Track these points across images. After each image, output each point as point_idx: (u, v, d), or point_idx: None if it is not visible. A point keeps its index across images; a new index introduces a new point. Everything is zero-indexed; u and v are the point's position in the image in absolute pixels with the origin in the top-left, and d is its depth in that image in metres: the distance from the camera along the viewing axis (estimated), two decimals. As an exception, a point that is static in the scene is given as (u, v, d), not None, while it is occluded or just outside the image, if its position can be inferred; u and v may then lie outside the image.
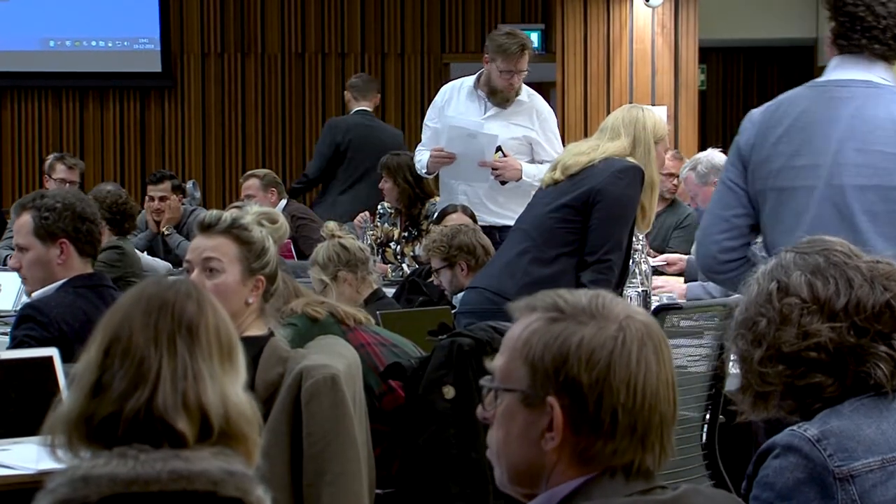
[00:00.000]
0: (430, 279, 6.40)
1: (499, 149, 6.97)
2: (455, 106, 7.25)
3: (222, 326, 2.22)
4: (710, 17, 12.33)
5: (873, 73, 3.66)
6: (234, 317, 3.69)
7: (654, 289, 6.33)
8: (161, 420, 2.10)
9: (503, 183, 6.95)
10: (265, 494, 2.08)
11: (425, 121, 7.48)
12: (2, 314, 6.57)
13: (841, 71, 3.68)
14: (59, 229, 4.48)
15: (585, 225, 5.24)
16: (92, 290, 4.49)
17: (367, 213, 8.55)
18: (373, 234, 8.11)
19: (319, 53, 12.71)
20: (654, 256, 8.03)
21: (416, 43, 12.71)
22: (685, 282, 6.60)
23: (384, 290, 6.16)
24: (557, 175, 5.35)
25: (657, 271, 7.40)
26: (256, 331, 3.77)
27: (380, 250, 8.04)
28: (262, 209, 3.99)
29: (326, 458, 3.63)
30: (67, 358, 3.86)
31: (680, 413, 4.55)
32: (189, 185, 9.66)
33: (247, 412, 2.18)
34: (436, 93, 12.53)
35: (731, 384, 4.83)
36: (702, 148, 12.45)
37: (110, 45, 12.47)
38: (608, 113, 6.42)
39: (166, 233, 8.83)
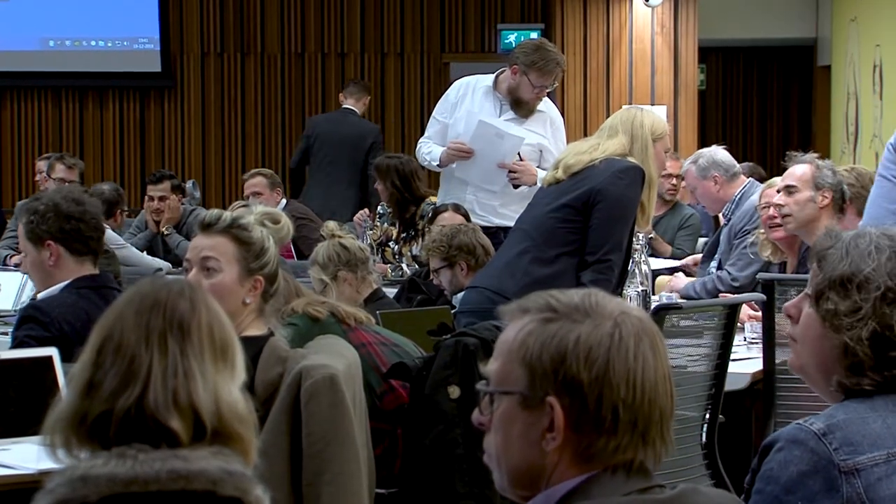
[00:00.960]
0: (430, 279, 6.40)
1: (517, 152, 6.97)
2: (469, 104, 7.22)
3: (216, 325, 2.21)
4: (709, 17, 12.33)
5: None
6: (232, 317, 3.68)
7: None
8: (153, 418, 2.11)
9: (516, 187, 6.92)
10: (264, 494, 2.08)
11: (434, 114, 7.44)
12: (2, 314, 6.58)
13: None
14: (43, 232, 4.47)
15: (586, 225, 5.24)
16: (94, 291, 4.47)
17: (367, 211, 8.56)
18: (372, 234, 8.11)
19: (319, 53, 12.71)
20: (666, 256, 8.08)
21: (415, 43, 12.71)
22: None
23: (384, 289, 6.16)
24: (559, 174, 5.35)
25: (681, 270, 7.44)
26: (255, 331, 3.77)
27: (379, 250, 8.04)
28: (265, 209, 3.99)
29: (326, 458, 3.63)
30: (68, 358, 3.85)
31: (680, 413, 4.58)
32: (189, 184, 9.67)
33: (240, 412, 2.17)
34: (436, 92, 12.58)
35: (731, 384, 4.84)
36: (701, 148, 12.47)
37: (110, 44, 12.48)
38: (608, 113, 6.44)
39: (166, 233, 8.83)
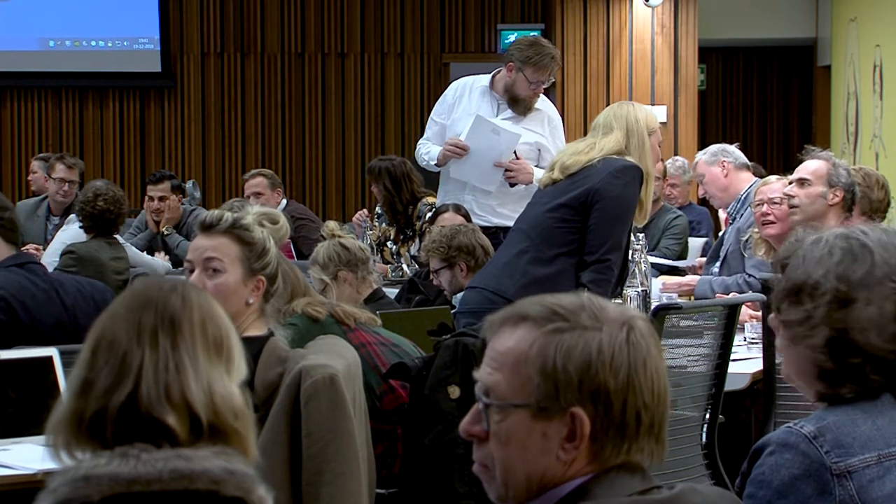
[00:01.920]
0: (430, 279, 6.40)
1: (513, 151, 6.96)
2: (467, 104, 7.22)
3: (209, 321, 2.21)
4: (709, 17, 12.33)
5: None
6: (235, 317, 3.69)
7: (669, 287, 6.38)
8: (147, 414, 2.11)
9: (512, 185, 6.92)
10: (267, 494, 2.08)
11: (432, 115, 7.43)
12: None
13: None
14: None
15: (584, 225, 5.24)
16: (20, 266, 4.80)
17: (365, 211, 8.56)
18: (372, 234, 8.12)
19: (319, 53, 12.71)
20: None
21: (415, 43, 12.71)
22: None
23: (385, 290, 6.16)
24: (556, 175, 5.35)
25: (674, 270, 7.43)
26: (256, 331, 3.77)
27: (378, 250, 8.04)
28: (262, 209, 3.99)
29: (325, 458, 3.63)
30: (12, 324, 4.56)
31: (680, 413, 4.58)
32: (189, 184, 9.67)
33: (236, 406, 2.17)
34: (436, 92, 12.57)
35: (731, 384, 4.84)
36: (701, 148, 12.46)
37: (110, 45, 12.48)
38: (608, 114, 6.41)
39: (166, 233, 8.83)
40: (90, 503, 1.96)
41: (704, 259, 7.45)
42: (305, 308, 4.53)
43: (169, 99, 12.65)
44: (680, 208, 8.97)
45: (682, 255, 8.30)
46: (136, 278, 6.30)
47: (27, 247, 8.53)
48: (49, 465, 3.46)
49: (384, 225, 8.14)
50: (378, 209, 8.25)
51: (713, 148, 7.25)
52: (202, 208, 9.21)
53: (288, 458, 3.63)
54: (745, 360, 5.19)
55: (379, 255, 7.99)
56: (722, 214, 8.76)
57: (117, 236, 7.39)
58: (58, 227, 8.69)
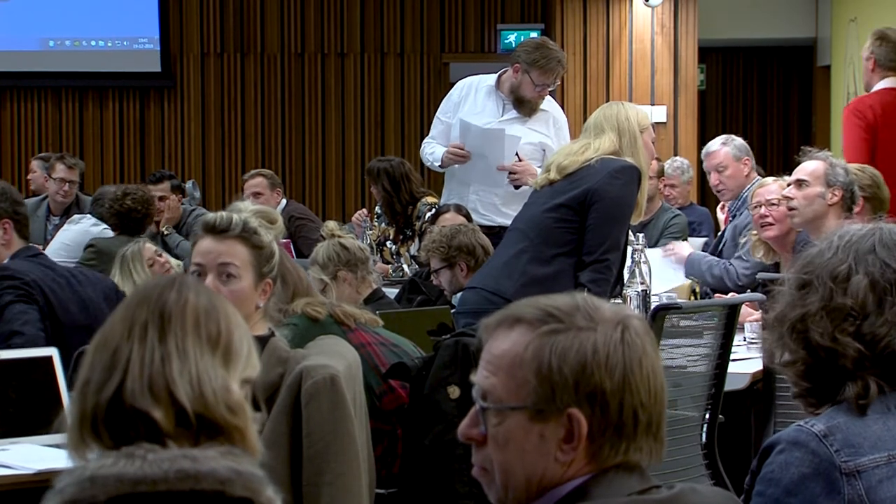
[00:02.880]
0: (431, 279, 6.40)
1: (516, 153, 6.96)
2: (472, 104, 7.23)
3: (206, 315, 2.19)
4: (709, 17, 12.33)
5: None
6: (245, 320, 3.69)
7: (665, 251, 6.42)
8: (132, 407, 2.11)
9: (517, 187, 6.92)
10: (276, 495, 2.07)
11: (437, 113, 7.45)
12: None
13: None
14: (2, 210, 5.01)
15: (583, 225, 5.25)
16: (33, 258, 5.06)
17: (365, 211, 8.57)
18: (372, 234, 8.12)
19: (319, 53, 12.71)
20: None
21: (415, 43, 12.71)
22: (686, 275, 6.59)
23: (385, 290, 6.16)
24: (553, 175, 5.36)
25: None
26: (258, 332, 3.77)
27: (378, 250, 8.05)
28: (257, 208, 3.98)
29: (326, 459, 3.63)
30: (49, 308, 4.79)
31: (680, 413, 4.58)
32: (189, 184, 9.67)
33: (231, 401, 2.15)
34: (435, 92, 12.58)
35: (731, 384, 4.84)
36: (701, 148, 12.46)
37: (110, 44, 12.47)
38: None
39: (166, 232, 8.84)
40: (96, 503, 1.96)
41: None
42: (305, 308, 4.53)
43: (169, 99, 12.65)
44: (680, 209, 8.95)
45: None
46: None
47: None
48: (49, 465, 3.47)
49: (383, 225, 8.14)
50: (378, 209, 8.26)
51: (738, 143, 7.22)
52: (202, 208, 9.22)
53: (288, 459, 3.63)
54: (745, 360, 5.19)
55: (378, 255, 7.99)
56: (721, 214, 8.77)
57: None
58: (58, 227, 8.70)
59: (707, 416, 4.73)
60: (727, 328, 4.72)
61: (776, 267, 5.94)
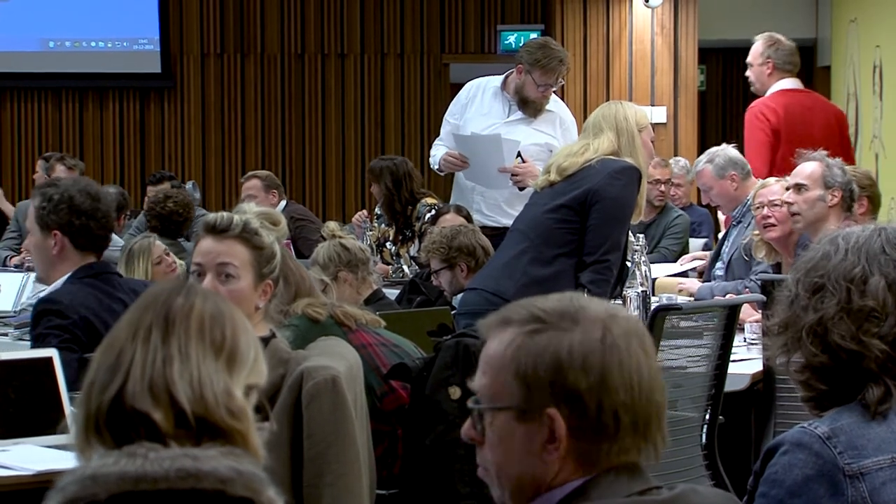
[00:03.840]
0: (430, 280, 6.40)
1: (518, 154, 6.96)
2: (479, 105, 7.24)
3: (211, 319, 2.19)
4: (709, 18, 12.33)
5: None
6: None
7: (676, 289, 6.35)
8: (132, 408, 2.11)
9: (522, 189, 6.92)
10: (277, 496, 2.07)
11: (446, 115, 7.47)
12: (2, 315, 6.58)
13: None
14: (52, 221, 4.49)
15: (583, 225, 5.25)
16: (95, 278, 4.49)
17: (365, 212, 8.56)
18: (372, 235, 8.12)
19: (319, 54, 12.71)
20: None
21: (415, 43, 12.71)
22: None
23: (385, 290, 6.16)
24: (553, 177, 5.36)
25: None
26: (259, 333, 3.76)
27: (378, 251, 8.05)
28: (260, 209, 3.98)
29: (327, 460, 3.63)
30: (95, 342, 3.83)
31: (680, 413, 4.58)
32: (188, 185, 9.68)
33: (232, 405, 2.15)
34: (435, 93, 12.58)
35: (731, 385, 4.84)
36: (701, 149, 12.46)
37: (110, 45, 12.48)
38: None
39: (166, 233, 8.83)
40: (97, 501, 1.96)
41: (700, 253, 7.40)
42: (306, 309, 4.53)
43: (169, 99, 12.65)
44: (682, 208, 8.96)
45: (683, 256, 8.29)
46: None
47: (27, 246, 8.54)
48: (48, 466, 3.47)
49: (383, 226, 8.14)
50: (378, 209, 8.26)
51: (720, 160, 6.97)
52: (202, 209, 9.22)
53: (289, 460, 3.63)
54: (745, 361, 5.19)
55: (378, 256, 7.99)
56: (721, 216, 8.77)
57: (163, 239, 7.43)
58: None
59: (707, 416, 4.73)
60: (727, 329, 4.72)
61: (777, 268, 5.93)
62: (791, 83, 7.59)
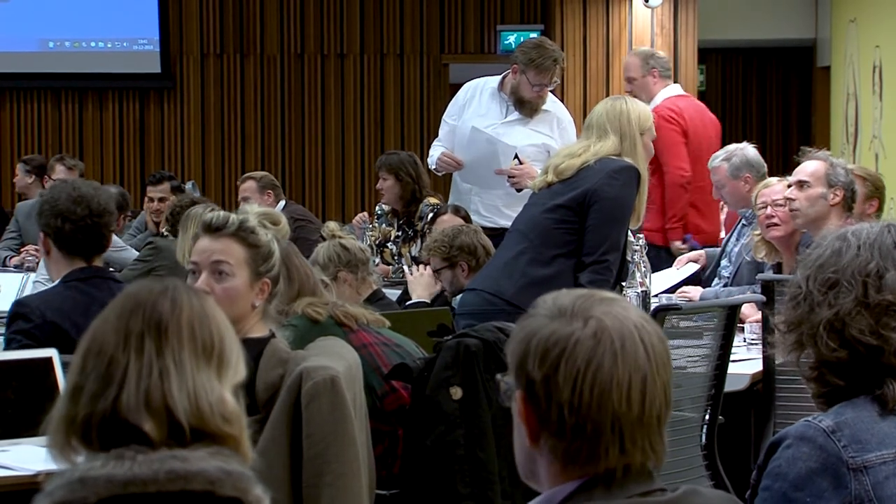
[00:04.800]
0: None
1: (515, 156, 6.95)
2: (476, 106, 7.24)
3: (199, 324, 2.18)
4: (709, 18, 12.33)
5: None
6: (240, 320, 3.69)
7: (679, 294, 6.32)
8: (125, 420, 2.09)
9: (519, 190, 6.92)
10: (264, 494, 2.07)
11: (444, 116, 7.47)
12: (1, 315, 6.58)
13: None
14: (41, 225, 4.48)
15: (582, 226, 5.25)
16: (82, 282, 4.43)
17: (365, 213, 8.55)
18: (372, 235, 8.11)
19: (318, 54, 12.71)
20: None
21: (415, 44, 12.71)
22: None
23: (386, 290, 6.15)
24: (550, 178, 5.35)
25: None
26: (258, 333, 3.76)
27: (378, 251, 8.04)
28: (262, 209, 3.98)
29: (326, 460, 3.63)
30: (66, 347, 3.83)
31: (680, 414, 4.57)
32: (188, 185, 9.67)
33: (225, 411, 2.14)
34: (435, 93, 12.57)
35: (731, 385, 4.84)
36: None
37: (109, 45, 12.47)
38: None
39: (165, 233, 8.84)
40: None
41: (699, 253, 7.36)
42: (306, 309, 4.52)
43: (168, 100, 12.65)
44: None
45: (678, 258, 8.26)
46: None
47: (27, 247, 8.56)
48: (48, 466, 3.47)
49: (384, 226, 8.13)
50: (378, 209, 8.25)
51: (736, 160, 6.89)
52: (213, 205, 9.20)
53: (288, 460, 3.63)
54: (745, 361, 5.19)
55: (378, 257, 7.98)
56: (720, 216, 8.75)
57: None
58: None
59: (707, 416, 4.73)
60: (727, 329, 4.72)
61: (778, 267, 5.93)
62: (677, 89, 7.96)
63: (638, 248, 5.44)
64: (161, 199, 8.88)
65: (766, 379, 4.93)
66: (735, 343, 4.84)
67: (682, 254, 7.08)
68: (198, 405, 2.11)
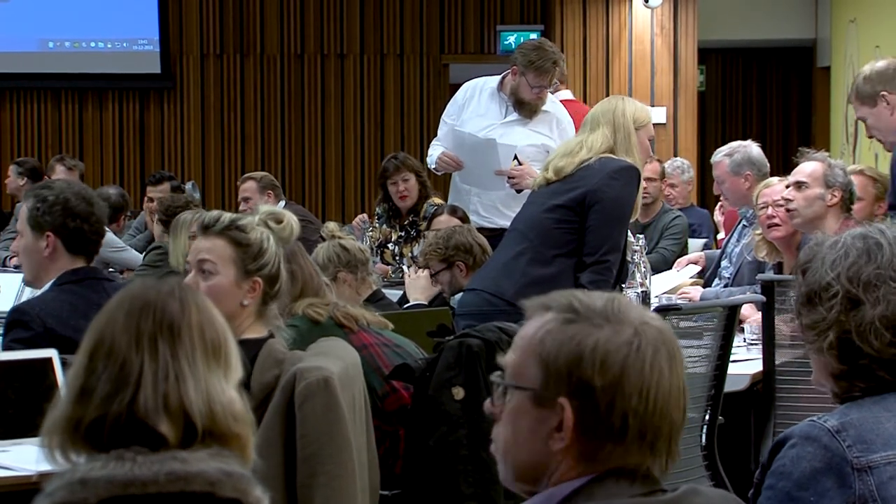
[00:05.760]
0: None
1: (515, 157, 6.95)
2: (476, 106, 7.24)
3: (207, 325, 2.19)
4: (709, 18, 12.33)
5: None
6: (230, 319, 3.65)
7: (679, 294, 6.30)
8: (143, 423, 2.09)
9: (519, 191, 6.91)
10: (263, 495, 2.07)
11: (443, 116, 7.47)
12: (1, 315, 6.57)
13: None
14: (46, 222, 4.41)
15: (582, 226, 5.24)
16: (77, 284, 4.40)
17: (365, 215, 8.55)
18: (371, 236, 8.10)
19: (318, 54, 12.71)
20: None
21: (415, 44, 12.71)
22: None
23: (385, 291, 6.15)
24: (550, 176, 5.35)
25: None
26: (254, 333, 3.76)
27: (378, 251, 8.03)
28: (270, 209, 3.97)
29: (319, 460, 3.62)
30: (63, 350, 3.86)
31: (679, 414, 4.57)
32: (188, 186, 9.67)
33: (235, 410, 2.15)
34: (435, 94, 12.57)
35: (731, 386, 4.84)
36: (700, 149, 12.45)
37: (109, 46, 12.48)
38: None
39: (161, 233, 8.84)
40: None
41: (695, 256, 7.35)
42: (306, 310, 4.51)
43: (168, 100, 12.65)
44: (681, 210, 8.94)
45: (682, 256, 8.28)
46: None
47: None
48: (47, 466, 3.47)
49: (384, 227, 8.13)
50: (378, 210, 8.25)
51: (738, 157, 6.86)
52: (202, 209, 9.21)
53: (283, 460, 3.62)
54: (745, 361, 5.19)
55: (379, 257, 7.98)
56: (718, 216, 8.75)
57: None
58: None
59: (707, 417, 4.73)
60: (727, 329, 4.71)
61: (778, 267, 5.93)
62: (569, 94, 8.54)
63: (638, 248, 5.44)
64: (187, 204, 8.88)
65: (766, 379, 4.93)
66: (735, 343, 4.84)
67: None
68: (211, 408, 2.12)
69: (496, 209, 7.16)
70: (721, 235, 8.44)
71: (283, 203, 9.12)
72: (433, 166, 7.34)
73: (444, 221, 6.90)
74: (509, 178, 6.92)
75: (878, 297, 2.37)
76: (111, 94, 12.60)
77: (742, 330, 5.40)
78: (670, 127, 12.01)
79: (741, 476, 4.70)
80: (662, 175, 8.72)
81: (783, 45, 13.38)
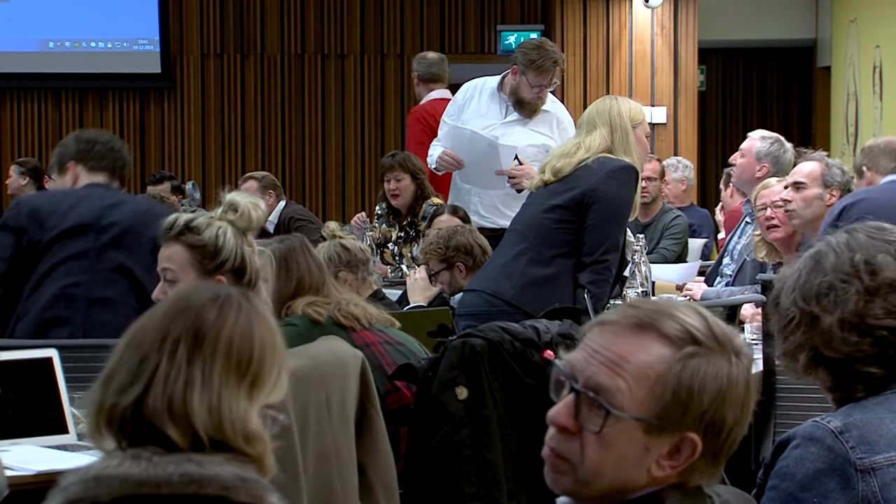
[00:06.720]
0: (430, 282, 6.39)
1: (515, 157, 6.96)
2: (476, 106, 7.24)
3: (240, 339, 2.14)
4: (709, 18, 12.33)
5: None
6: None
7: (683, 292, 6.30)
8: (150, 422, 2.09)
9: (519, 191, 6.92)
10: (279, 502, 2.06)
11: (443, 116, 7.48)
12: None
13: None
14: (65, 157, 5.14)
15: (581, 226, 5.25)
16: (91, 188, 5.16)
17: (364, 214, 8.55)
18: (371, 235, 8.10)
19: (319, 54, 12.71)
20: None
21: (415, 43, 12.71)
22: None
23: (385, 290, 6.15)
24: (547, 177, 5.36)
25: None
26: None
27: (378, 251, 8.03)
28: (232, 198, 3.93)
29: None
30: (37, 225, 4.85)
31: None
32: (188, 185, 9.67)
33: (248, 430, 2.10)
34: (435, 94, 12.54)
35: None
36: (701, 149, 12.46)
37: (110, 46, 12.48)
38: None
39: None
40: (99, 503, 1.96)
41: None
42: (306, 309, 4.50)
43: (169, 100, 12.65)
44: (681, 209, 8.94)
45: (682, 256, 8.28)
46: None
47: None
48: (48, 466, 3.47)
49: (384, 226, 8.13)
50: (378, 210, 8.25)
51: (772, 148, 6.63)
52: (202, 209, 9.21)
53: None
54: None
55: (378, 257, 7.98)
56: (719, 216, 8.75)
57: None
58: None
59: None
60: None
61: (779, 267, 5.93)
62: (441, 93, 8.52)
63: (638, 248, 5.44)
64: (161, 199, 8.88)
65: (766, 379, 4.93)
66: (735, 343, 4.83)
67: None
68: (220, 421, 2.09)
69: (496, 209, 7.17)
70: (721, 235, 8.45)
71: (283, 203, 9.12)
72: (434, 166, 7.34)
73: (446, 221, 6.90)
74: (510, 177, 6.92)
75: (830, 303, 2.38)
76: (111, 94, 12.61)
77: (742, 330, 5.40)
78: (670, 127, 12.01)
79: (741, 476, 4.70)
80: (662, 174, 8.73)
81: (783, 46, 13.38)
